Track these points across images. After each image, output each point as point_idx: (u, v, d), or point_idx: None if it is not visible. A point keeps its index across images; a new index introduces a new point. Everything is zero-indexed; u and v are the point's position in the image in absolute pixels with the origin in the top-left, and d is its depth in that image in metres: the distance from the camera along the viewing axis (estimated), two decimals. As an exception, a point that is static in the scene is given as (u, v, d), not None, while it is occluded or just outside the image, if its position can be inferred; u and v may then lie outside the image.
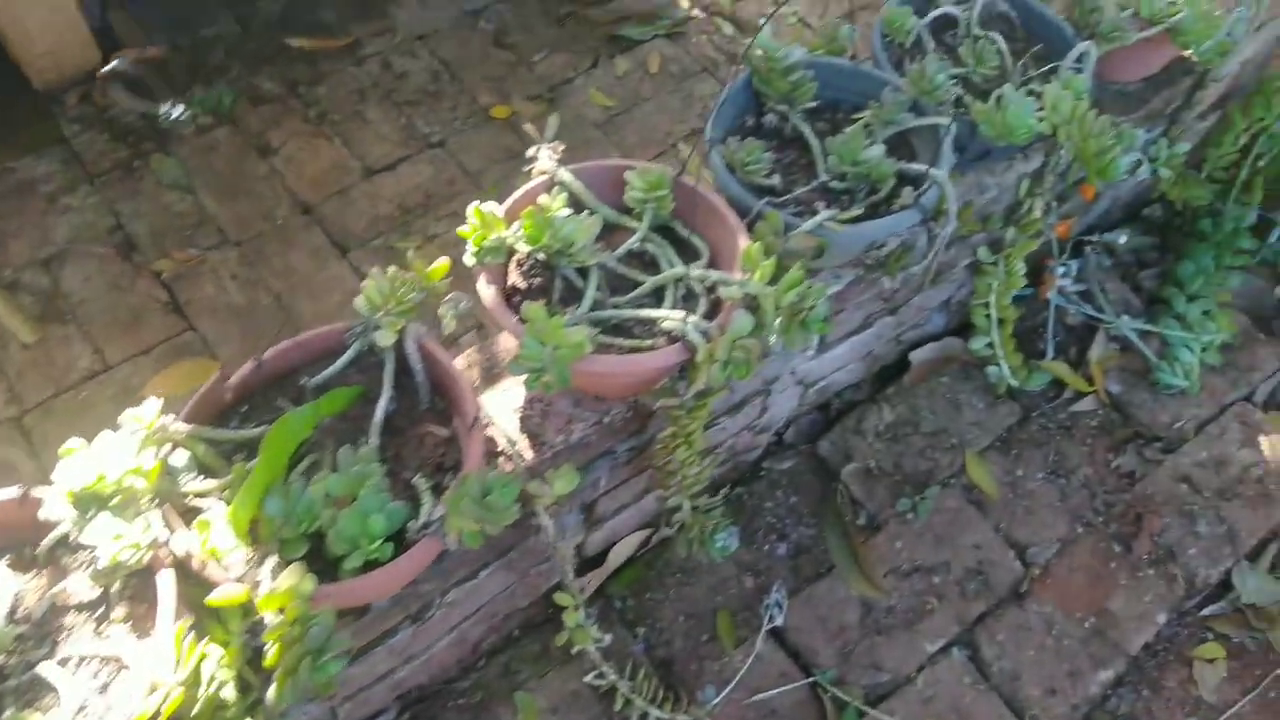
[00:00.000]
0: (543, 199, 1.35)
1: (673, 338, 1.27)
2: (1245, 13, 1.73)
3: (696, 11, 2.70)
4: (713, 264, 1.39)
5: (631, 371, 1.26)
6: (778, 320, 1.27)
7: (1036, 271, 2.06)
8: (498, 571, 1.47)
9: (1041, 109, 1.52)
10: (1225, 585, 1.83)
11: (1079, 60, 1.63)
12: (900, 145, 1.55)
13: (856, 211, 1.42)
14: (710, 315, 1.32)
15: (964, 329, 2.02)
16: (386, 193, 2.27)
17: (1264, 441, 1.98)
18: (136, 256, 2.14)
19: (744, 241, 1.32)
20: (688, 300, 1.36)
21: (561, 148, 1.42)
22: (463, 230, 1.27)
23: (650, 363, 1.24)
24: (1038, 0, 1.76)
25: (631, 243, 1.39)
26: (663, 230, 1.44)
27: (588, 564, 1.71)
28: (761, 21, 1.53)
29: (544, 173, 1.40)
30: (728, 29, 2.65)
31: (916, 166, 1.46)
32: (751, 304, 1.27)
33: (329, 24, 2.59)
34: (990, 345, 1.95)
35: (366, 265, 2.10)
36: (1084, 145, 1.53)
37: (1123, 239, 2.12)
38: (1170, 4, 1.73)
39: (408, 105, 2.44)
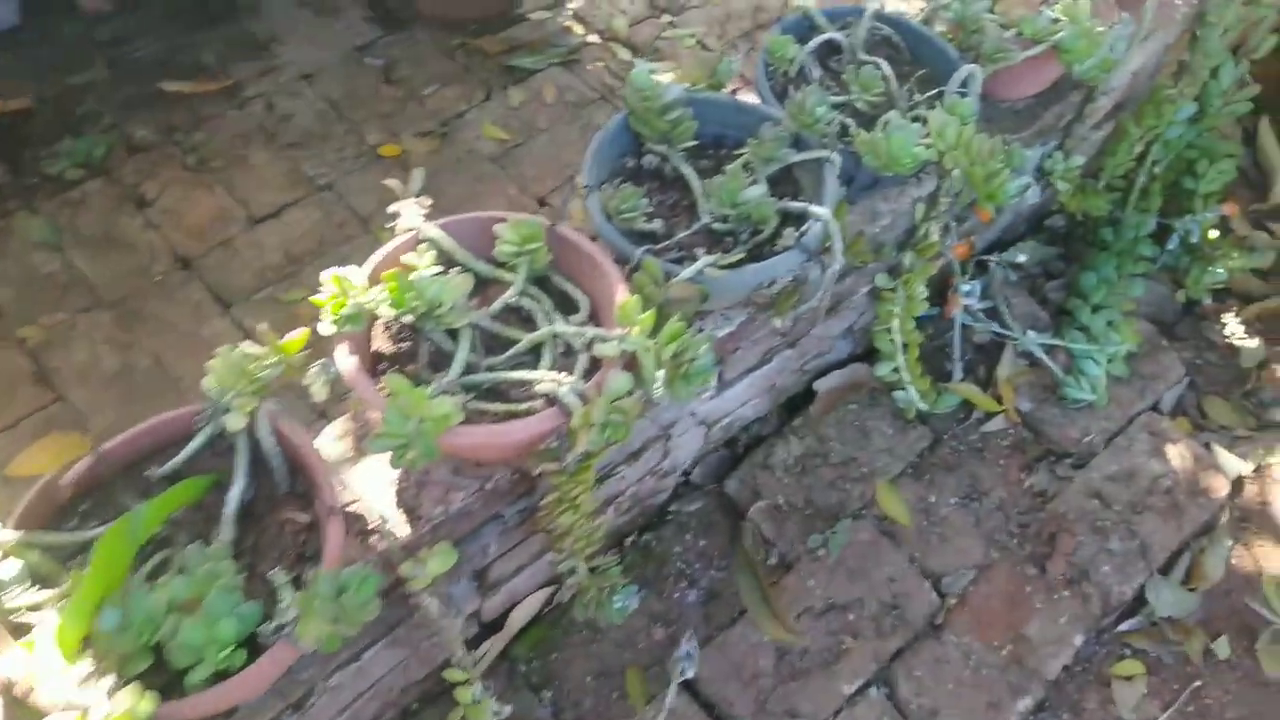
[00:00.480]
0: (408, 257, 1.28)
1: (549, 400, 1.21)
2: (1125, 29, 1.72)
3: (591, 38, 2.63)
4: (594, 315, 1.34)
5: (503, 442, 1.19)
6: (660, 373, 1.21)
7: (942, 291, 2.04)
8: (385, 650, 1.39)
9: (928, 135, 1.48)
10: (1140, 600, 1.82)
11: (964, 83, 1.61)
12: (785, 180, 1.50)
13: (738, 255, 1.36)
14: (591, 372, 1.26)
15: (870, 354, 1.99)
16: (272, 241, 2.18)
17: (1171, 450, 1.98)
18: (-1, 324, 2.02)
19: (623, 292, 1.26)
20: (567, 356, 1.29)
21: (429, 201, 1.35)
22: (317, 299, 1.20)
23: (523, 431, 1.17)
24: (921, 24, 1.74)
25: (506, 298, 1.32)
26: (541, 282, 1.37)
27: (488, 628, 1.64)
28: (638, 61, 1.48)
29: (409, 229, 1.32)
30: (624, 54, 2.59)
31: (798, 204, 1.42)
32: (630, 361, 1.22)
33: (208, 65, 2.49)
34: (896, 370, 1.92)
35: (252, 320, 2.01)
36: (972, 171, 1.51)
37: (1022, 257, 2.10)
38: (1054, 21, 1.72)
39: (293, 148, 2.35)
